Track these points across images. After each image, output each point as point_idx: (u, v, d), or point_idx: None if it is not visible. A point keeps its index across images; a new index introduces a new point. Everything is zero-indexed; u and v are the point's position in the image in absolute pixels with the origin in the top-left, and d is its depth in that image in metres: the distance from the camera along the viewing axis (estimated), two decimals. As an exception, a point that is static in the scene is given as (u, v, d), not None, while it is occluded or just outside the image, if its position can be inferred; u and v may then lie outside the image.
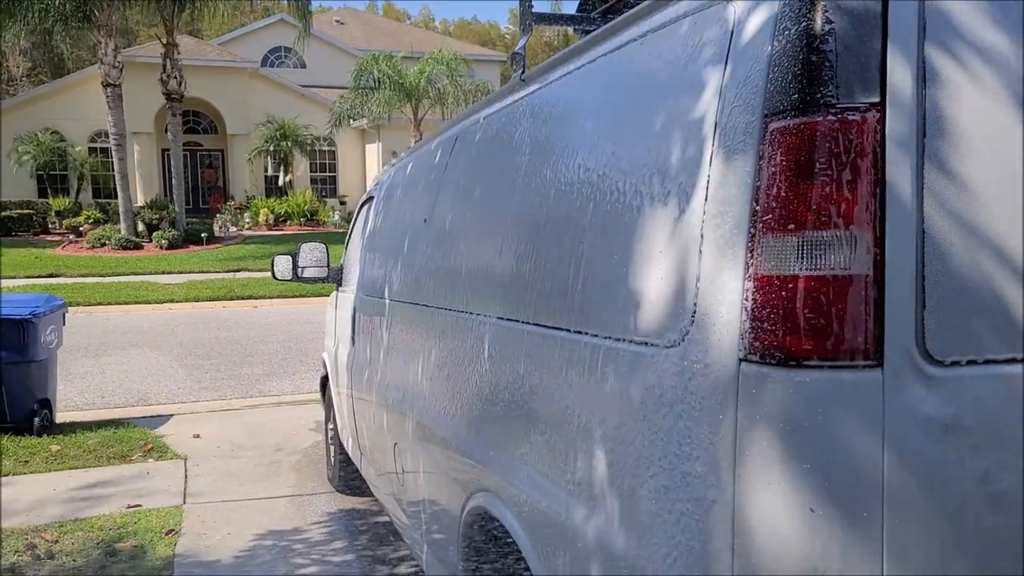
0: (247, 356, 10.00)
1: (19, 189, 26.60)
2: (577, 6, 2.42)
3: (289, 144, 27.52)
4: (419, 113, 24.41)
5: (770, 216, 1.10)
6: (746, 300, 1.12)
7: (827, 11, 1.07)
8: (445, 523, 2.40)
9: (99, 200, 26.90)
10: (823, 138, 1.07)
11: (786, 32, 1.10)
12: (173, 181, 23.20)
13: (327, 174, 30.50)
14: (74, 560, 4.00)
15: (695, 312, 1.22)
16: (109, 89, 20.70)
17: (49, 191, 27.08)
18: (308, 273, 4.92)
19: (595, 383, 1.48)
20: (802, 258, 1.07)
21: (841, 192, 1.06)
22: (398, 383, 3.02)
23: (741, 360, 1.12)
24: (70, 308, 12.32)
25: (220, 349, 10.53)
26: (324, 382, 5.30)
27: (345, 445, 4.56)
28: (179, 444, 6.16)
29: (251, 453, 5.89)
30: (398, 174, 3.74)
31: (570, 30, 2.61)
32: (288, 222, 26.05)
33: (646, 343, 1.33)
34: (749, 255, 1.12)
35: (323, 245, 5.01)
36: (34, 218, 24.99)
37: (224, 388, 8.30)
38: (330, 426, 5.12)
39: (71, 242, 23.18)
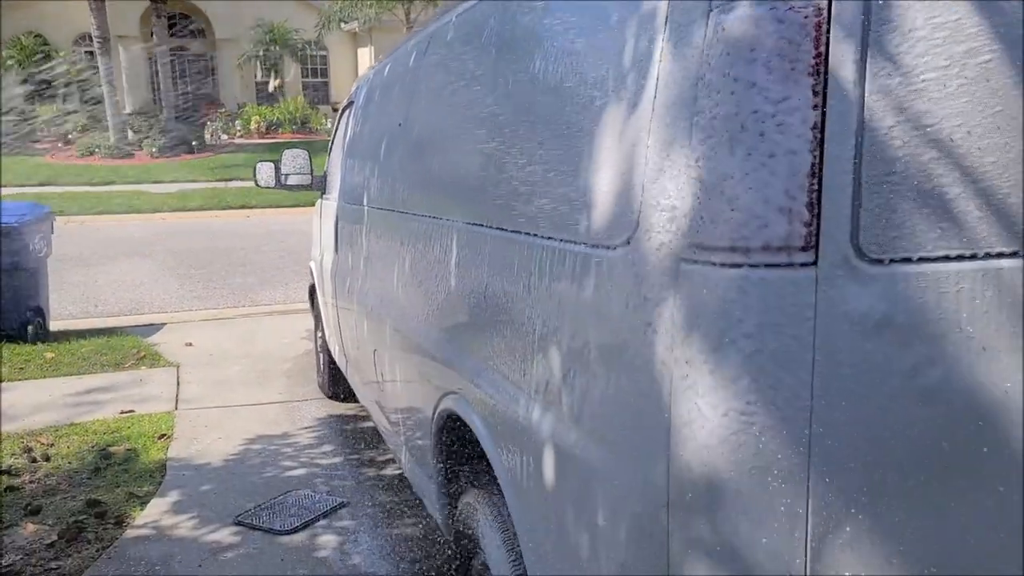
0: (239, 265, 10.02)
1: (5, 95, 26.02)
2: None
3: (279, 49, 26.79)
4: (411, 14, 23.68)
5: (709, 110, 1.07)
6: (686, 198, 1.10)
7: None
8: (420, 427, 2.45)
9: (87, 106, 26.37)
10: (766, 28, 1.04)
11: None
12: (161, 87, 22.70)
13: (319, 80, 29.82)
14: (69, 462, 4.10)
15: (640, 212, 1.20)
16: (90, -12, 20.02)
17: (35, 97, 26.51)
18: (291, 181, 4.87)
19: (549, 285, 1.48)
20: (741, 154, 1.05)
21: (781, 85, 1.03)
22: (376, 290, 3.03)
23: (681, 259, 1.11)
24: (62, 218, 12.28)
25: (212, 259, 10.54)
26: (312, 291, 5.32)
27: (333, 352, 4.61)
28: (172, 352, 6.24)
29: (243, 361, 5.97)
30: (376, 78, 3.65)
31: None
32: (280, 130, 25.64)
33: (596, 245, 1.32)
34: (689, 151, 1.10)
35: (306, 152, 4.94)
36: (21, 125, 24.56)
37: (216, 297, 8.35)
38: (319, 334, 5.17)
39: (60, 150, 22.86)
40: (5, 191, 15.75)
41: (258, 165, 4.91)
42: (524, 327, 1.59)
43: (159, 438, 4.42)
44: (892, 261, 1.06)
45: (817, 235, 1.04)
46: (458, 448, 2.17)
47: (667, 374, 1.13)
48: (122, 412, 4.86)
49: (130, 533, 3.35)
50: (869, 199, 1.05)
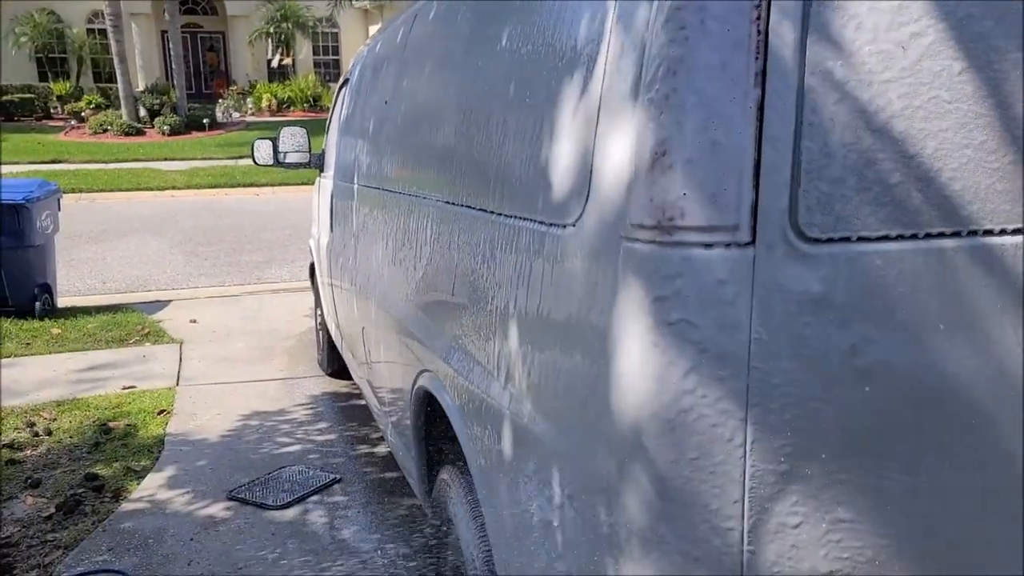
0: (247, 243, 10.07)
1: (19, 72, 26.16)
2: None
3: (290, 26, 26.72)
4: (422, -8, 23.51)
5: (650, 91, 1.07)
6: (627, 177, 1.10)
7: None
8: (400, 405, 2.47)
9: (100, 84, 26.49)
10: (707, 9, 1.03)
11: None
12: (173, 65, 22.74)
13: (330, 57, 29.74)
14: (70, 437, 4.17)
15: (589, 191, 1.20)
16: (101, -35, 20.02)
17: (49, 75, 26.66)
18: (290, 159, 4.87)
19: (509, 262, 1.49)
20: (679, 133, 1.04)
21: (721, 66, 1.02)
22: (364, 268, 3.04)
23: (622, 238, 1.11)
24: (73, 195, 12.36)
25: (220, 236, 10.59)
26: (312, 269, 5.35)
27: (330, 330, 4.64)
28: (176, 329, 6.29)
29: (246, 338, 6.01)
30: (368, 54, 3.64)
31: None
32: (291, 107, 25.64)
33: (552, 223, 1.32)
34: (632, 131, 1.10)
35: (304, 130, 4.94)
36: (36, 103, 24.70)
37: (223, 275, 8.40)
38: (318, 311, 5.20)
39: (73, 127, 22.99)
40: (17, 168, 15.88)
41: (256, 142, 4.92)
42: (487, 305, 1.60)
43: (159, 414, 4.47)
44: (831, 240, 1.05)
45: (755, 214, 1.04)
46: (433, 426, 2.19)
47: (609, 351, 1.13)
48: (124, 388, 4.92)
49: (125, 506, 3.41)
50: (808, 179, 1.04)
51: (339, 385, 4.92)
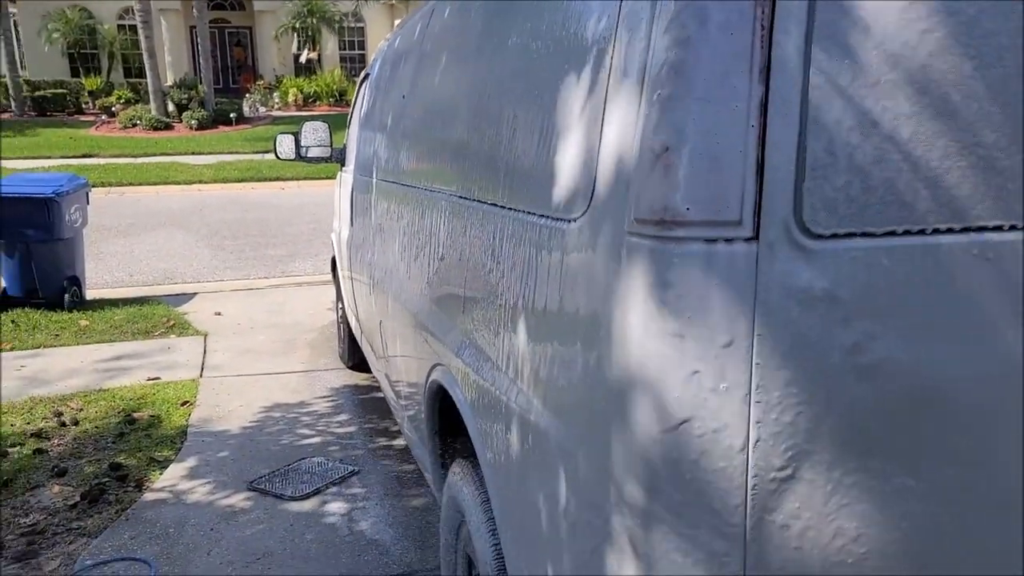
0: (272, 237, 10.16)
1: (52, 68, 26.60)
2: None
3: (316, 21, 26.87)
4: (448, -14, 23.52)
5: (655, 87, 1.06)
6: (631, 172, 1.10)
7: None
8: (415, 399, 2.48)
9: (130, 79, 26.86)
10: (712, 7, 1.02)
11: None
12: (201, 60, 22.99)
13: (356, 52, 29.87)
14: (96, 427, 4.24)
15: (595, 186, 1.20)
16: (131, -37, 20.26)
17: (81, 70, 27.08)
18: (312, 153, 4.90)
19: (519, 258, 1.49)
20: (682, 129, 1.04)
21: (726, 61, 1.02)
22: (382, 262, 3.06)
23: (626, 233, 1.11)
24: (102, 189, 12.54)
25: (246, 230, 10.70)
26: (334, 263, 5.39)
27: (351, 323, 4.67)
28: (201, 321, 6.37)
29: (269, 331, 6.08)
30: (388, 50, 3.65)
31: None
32: (318, 102, 25.80)
33: (559, 218, 1.32)
34: (636, 127, 1.09)
35: (326, 124, 4.97)
36: (67, 98, 25.08)
37: (248, 268, 8.49)
38: (339, 305, 5.23)
39: (104, 122, 23.33)
40: (49, 163, 16.15)
41: (278, 137, 4.96)
42: (496, 300, 1.60)
43: (182, 405, 4.54)
44: (836, 236, 1.04)
45: (758, 210, 1.03)
46: (446, 420, 2.20)
47: (613, 347, 1.13)
48: (149, 379, 5.00)
49: (148, 496, 3.46)
50: (813, 175, 1.03)
51: (359, 378, 4.96)
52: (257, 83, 27.07)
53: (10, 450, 3.94)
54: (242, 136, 20.77)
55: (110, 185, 14.65)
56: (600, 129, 1.21)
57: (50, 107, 24.51)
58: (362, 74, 4.55)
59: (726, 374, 1.05)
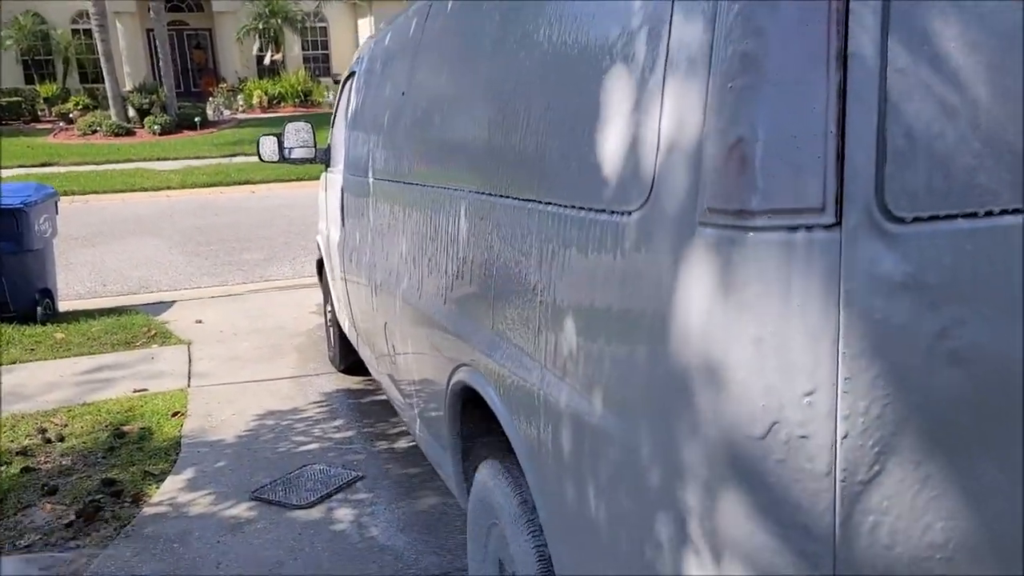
0: (247, 241, 10.00)
1: (6, 76, 25.94)
2: None
3: (278, 21, 26.52)
4: (411, -16, 23.35)
5: (727, 70, 1.03)
6: (701, 160, 1.07)
7: None
8: (433, 399, 2.43)
9: (87, 85, 26.28)
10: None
11: None
12: (160, 63, 22.56)
13: (320, 52, 29.54)
14: (83, 442, 4.12)
15: (655, 176, 1.17)
16: (85, -35, 19.80)
17: (36, 77, 26.44)
18: (295, 154, 4.82)
19: (563, 254, 1.45)
20: (758, 113, 1.01)
21: (802, 42, 0.99)
22: (385, 262, 3.00)
23: (698, 223, 1.08)
24: (66, 197, 12.24)
25: (219, 235, 10.52)
26: (320, 265, 5.30)
27: (343, 326, 4.60)
28: (182, 329, 6.24)
29: (254, 337, 5.97)
30: (377, 47, 3.59)
31: None
32: (283, 103, 25.48)
33: (611, 211, 1.29)
34: (705, 112, 1.06)
35: (309, 125, 4.89)
36: (23, 106, 24.49)
37: (225, 274, 8.34)
38: (328, 308, 5.16)
39: (62, 129, 22.81)
40: (7, 172, 15.75)
41: (261, 139, 4.87)
42: (537, 297, 1.56)
43: (173, 415, 4.43)
44: (918, 220, 1.02)
45: (840, 195, 1.00)
46: (473, 419, 2.16)
47: (685, 341, 1.10)
48: (135, 391, 4.88)
49: (147, 511, 3.37)
50: (894, 158, 1.01)
51: (352, 381, 4.89)
52: (220, 86, 26.63)
53: (-3, 469, 3.82)
54: (208, 140, 20.44)
55: (74, 193, 14.32)
56: (659, 118, 1.17)
57: (5, 116, 23.90)
58: (346, 72, 4.48)
59: (813, 367, 1.02)
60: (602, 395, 1.33)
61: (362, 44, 4.42)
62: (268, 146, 4.84)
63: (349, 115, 4.02)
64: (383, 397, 4.53)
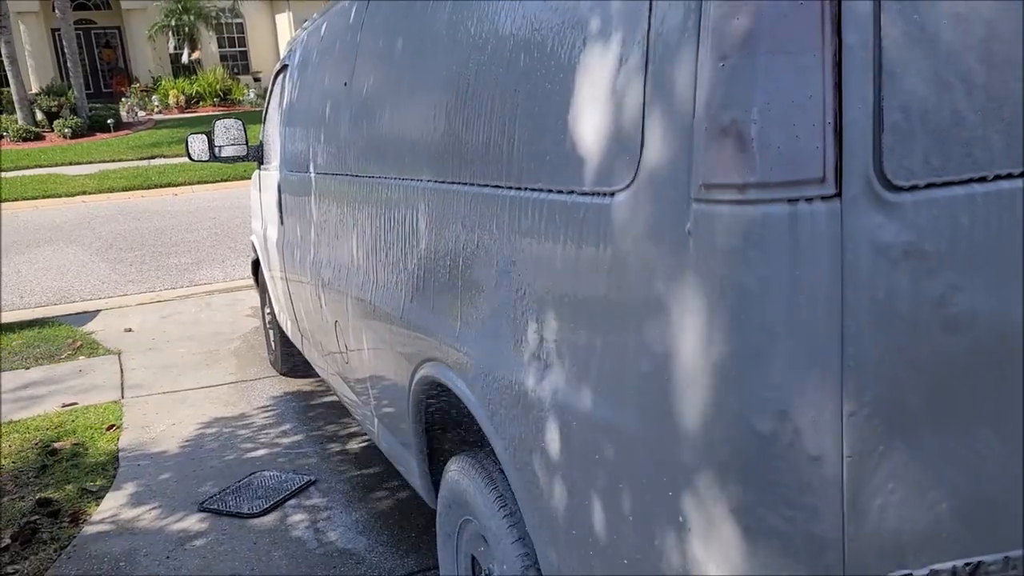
0: (173, 246, 9.64)
1: (-102, 81, 24.38)
2: None
3: (192, 18, 25.66)
4: (329, -22, 22.88)
5: (719, 40, 1.01)
6: (692, 134, 1.04)
7: None
8: (394, 396, 2.37)
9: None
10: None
11: None
12: (68, 64, 21.57)
13: (237, 49, 28.71)
14: (12, 462, 3.90)
15: (642, 153, 1.14)
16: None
17: (-68, 82, 24.95)
18: (226, 152, 4.65)
19: (540, 240, 1.41)
20: (752, 83, 0.99)
21: (797, 11, 0.97)
22: (333, 260, 2.91)
23: (692, 200, 1.05)
24: (-27, 207, 11.59)
25: (143, 240, 10.12)
26: (256, 266, 5.13)
27: (284, 328, 4.47)
28: (110, 339, 5.98)
29: (187, 343, 5.75)
30: (311, 38, 3.47)
31: None
32: (201, 103, 24.67)
33: (593, 192, 1.25)
34: (696, 85, 1.03)
35: (240, 122, 4.72)
36: (-80, 113, 23.07)
37: (152, 280, 8.02)
38: (267, 310, 5.00)
39: (-36, 137, 21.57)
40: (-92, 182, 14.82)
41: (189, 138, 4.68)
42: (512, 288, 1.52)
43: (108, 429, 4.23)
44: (916, 188, 1.02)
45: (839, 165, 0.99)
46: (440, 415, 2.10)
47: (681, 322, 1.07)
48: (64, 405, 4.64)
49: (88, 530, 3.20)
50: (891, 126, 1.00)
51: (297, 384, 4.75)
52: (132, 86, 25.61)
53: (-82, 497, 3.57)
54: (124, 143, 19.64)
55: (-19, 202, 13.58)
56: (643, 92, 1.14)
57: (-100, 123, 22.46)
58: (277, 66, 4.33)
59: (815, 337, 1.01)
60: (594, 388, 1.28)
61: (293, 36, 4.28)
62: (197, 145, 4.65)
63: (284, 110, 3.89)
64: (332, 398, 4.42)
